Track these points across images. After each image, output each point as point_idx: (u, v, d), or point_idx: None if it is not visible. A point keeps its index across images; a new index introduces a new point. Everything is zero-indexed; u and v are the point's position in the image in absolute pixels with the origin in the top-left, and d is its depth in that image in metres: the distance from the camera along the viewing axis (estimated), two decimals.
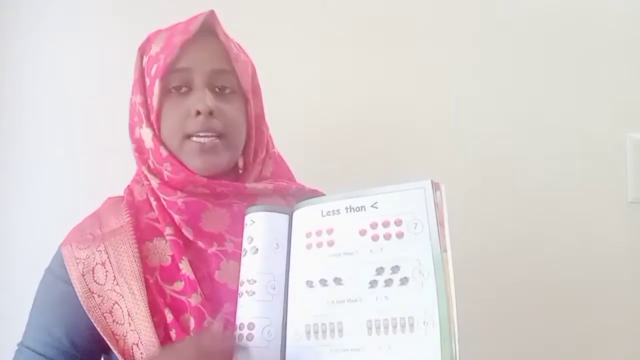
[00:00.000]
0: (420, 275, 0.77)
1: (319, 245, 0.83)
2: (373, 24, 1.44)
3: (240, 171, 0.99)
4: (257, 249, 0.85)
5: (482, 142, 1.43)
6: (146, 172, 0.93)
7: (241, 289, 0.83)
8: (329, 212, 0.83)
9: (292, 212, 0.87)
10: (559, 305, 1.40)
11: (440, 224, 0.79)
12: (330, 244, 0.82)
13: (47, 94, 1.35)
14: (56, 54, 1.37)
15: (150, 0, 1.36)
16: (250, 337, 0.80)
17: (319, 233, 0.83)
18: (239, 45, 0.98)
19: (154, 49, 0.94)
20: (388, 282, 0.78)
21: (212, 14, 0.93)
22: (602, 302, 1.42)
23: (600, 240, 1.43)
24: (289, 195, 0.97)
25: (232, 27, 0.96)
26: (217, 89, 0.92)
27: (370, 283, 0.78)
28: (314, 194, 0.99)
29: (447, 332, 0.74)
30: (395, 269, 0.78)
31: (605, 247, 1.43)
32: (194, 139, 0.90)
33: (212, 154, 0.90)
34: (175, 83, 0.91)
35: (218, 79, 0.92)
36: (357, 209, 0.82)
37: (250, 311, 0.81)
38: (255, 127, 0.98)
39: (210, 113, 0.89)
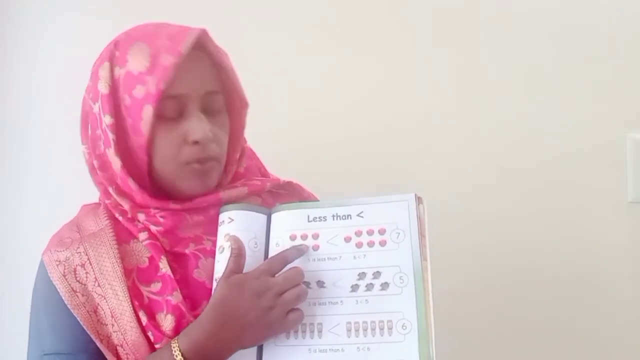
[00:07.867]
0: (400, 281, 0.80)
1: None
2: (374, 28, 1.43)
3: None
4: None
5: (482, 143, 1.42)
6: (114, 195, 0.89)
7: (215, 287, 0.83)
8: (316, 218, 0.86)
9: (270, 214, 0.89)
10: (558, 305, 1.40)
11: (421, 234, 0.82)
12: (316, 248, 0.85)
13: (48, 94, 1.35)
14: (58, 53, 1.36)
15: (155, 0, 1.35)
16: None
17: (304, 237, 0.85)
18: (226, 53, 0.92)
19: (133, 63, 0.84)
20: (369, 287, 0.80)
21: (203, 32, 0.87)
22: (602, 302, 1.41)
23: (600, 240, 1.42)
24: (265, 192, 0.97)
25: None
26: (209, 111, 0.88)
27: (352, 287, 0.81)
28: (289, 185, 1.00)
29: (425, 335, 0.76)
30: (377, 274, 0.81)
31: (605, 247, 1.42)
32: (192, 165, 0.87)
33: (208, 177, 0.89)
34: (170, 112, 0.85)
35: (211, 102, 0.88)
36: (344, 217, 0.85)
37: None
38: (239, 136, 0.97)
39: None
